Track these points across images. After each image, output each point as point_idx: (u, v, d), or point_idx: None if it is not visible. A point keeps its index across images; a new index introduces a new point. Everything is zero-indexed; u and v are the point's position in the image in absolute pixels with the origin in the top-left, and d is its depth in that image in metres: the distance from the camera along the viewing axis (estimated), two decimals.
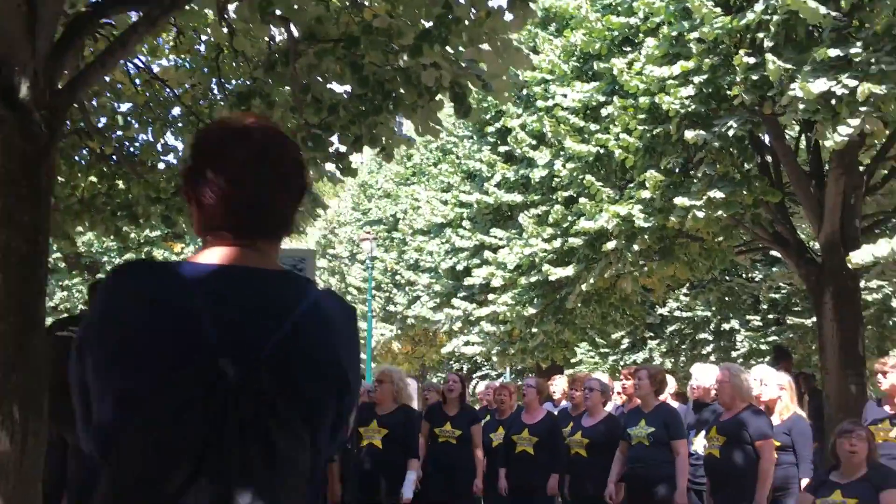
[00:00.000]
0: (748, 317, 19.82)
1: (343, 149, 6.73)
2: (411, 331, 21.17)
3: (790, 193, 9.92)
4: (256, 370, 1.24)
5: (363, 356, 21.00)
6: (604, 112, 9.68)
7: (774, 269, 16.72)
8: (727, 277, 17.81)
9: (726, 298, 18.53)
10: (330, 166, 7.02)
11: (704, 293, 18.31)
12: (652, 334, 21.76)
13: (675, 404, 7.04)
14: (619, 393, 7.65)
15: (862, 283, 14.35)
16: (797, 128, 9.99)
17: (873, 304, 15.48)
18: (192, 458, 1.18)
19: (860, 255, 5.78)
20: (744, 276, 17.85)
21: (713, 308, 19.16)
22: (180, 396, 1.20)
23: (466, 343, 14.64)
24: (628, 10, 9.26)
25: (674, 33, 8.18)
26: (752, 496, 5.22)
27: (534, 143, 11.69)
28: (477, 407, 10.11)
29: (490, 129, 13.66)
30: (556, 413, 7.73)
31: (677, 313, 20.79)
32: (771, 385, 5.85)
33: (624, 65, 8.94)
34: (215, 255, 1.36)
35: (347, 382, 1.36)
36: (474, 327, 14.09)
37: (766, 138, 9.47)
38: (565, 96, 10.38)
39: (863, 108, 6.25)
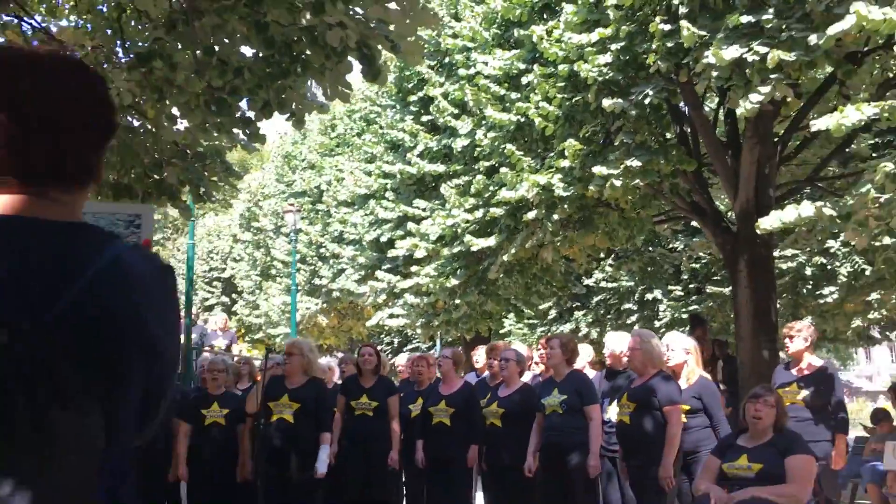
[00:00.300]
0: (670, 287, 20.26)
1: (252, 114, 6.49)
2: (337, 304, 20.91)
3: (708, 164, 10.04)
4: (34, 333, 1.06)
5: (287, 330, 20.70)
6: (524, 80, 9.57)
7: (696, 239, 17.06)
8: (650, 248, 18.13)
9: (648, 269, 18.84)
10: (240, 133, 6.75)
11: (627, 263, 18.59)
12: (578, 304, 22.06)
13: (593, 373, 7.06)
14: (537, 363, 7.63)
15: (777, 252, 14.79)
16: (717, 98, 10.08)
17: (788, 272, 15.93)
18: None
19: (768, 222, 5.84)
20: (665, 246, 18.18)
21: (636, 278, 19.49)
22: None
23: (391, 316, 14.49)
24: None
25: (592, 0, 8.11)
26: (660, 461, 5.25)
27: (456, 112, 11.53)
28: (397, 380, 10.01)
29: (413, 98, 13.44)
30: (474, 384, 7.68)
31: (603, 284, 21.13)
32: (677, 350, 5.90)
33: (543, 32, 8.83)
34: None
35: (156, 349, 1.17)
36: (399, 299, 13.95)
37: (685, 108, 9.54)
38: (486, 64, 10.24)
39: (773, 76, 6.28)
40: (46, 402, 1.03)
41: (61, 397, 1.04)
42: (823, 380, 6.18)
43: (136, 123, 7.11)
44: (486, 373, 7.87)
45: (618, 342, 6.52)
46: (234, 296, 31.19)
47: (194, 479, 6.58)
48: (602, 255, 19.33)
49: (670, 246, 18.11)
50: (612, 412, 6.11)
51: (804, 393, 6.14)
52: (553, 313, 22.23)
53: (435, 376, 7.50)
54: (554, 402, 5.86)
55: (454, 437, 6.65)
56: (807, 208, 5.55)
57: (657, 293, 20.41)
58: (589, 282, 20.99)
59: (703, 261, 18.27)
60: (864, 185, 5.07)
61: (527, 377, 7.12)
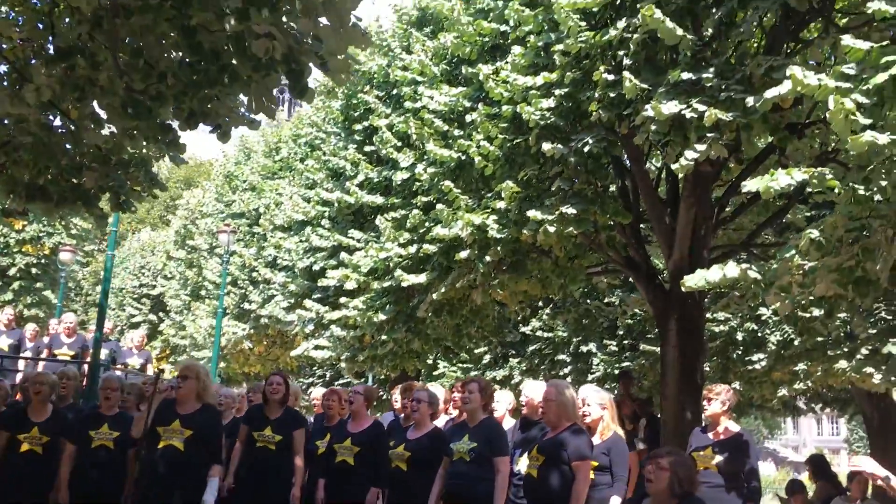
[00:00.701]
0: (605, 341, 20.29)
1: (175, 124, 6.20)
2: (265, 331, 20.36)
3: (646, 220, 10.02)
4: None
5: (208, 353, 20.06)
6: (468, 118, 9.46)
7: (632, 295, 17.13)
8: (588, 301, 18.14)
9: (584, 321, 18.85)
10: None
11: (563, 314, 18.56)
12: (514, 352, 21.94)
13: (511, 421, 6.82)
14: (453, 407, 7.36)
15: (710, 315, 14.88)
16: (660, 155, 10.12)
17: (720, 335, 16.04)
18: None
19: (693, 280, 5.74)
20: (602, 299, 18.19)
21: (571, 329, 19.46)
22: None
23: (317, 347, 14.08)
24: (499, 16, 9.07)
25: (540, 43, 8.04)
26: None
27: (399, 144, 11.37)
28: (311, 414, 9.63)
29: (358, 126, 13.24)
30: (385, 424, 7.38)
31: (539, 333, 21.07)
32: (593, 405, 5.72)
33: (490, 71, 8.74)
34: None
35: None
36: (326, 331, 13.57)
37: (627, 161, 9.54)
38: (432, 99, 10.11)
39: (710, 134, 6.24)
40: None
41: None
42: (738, 446, 6.04)
43: (56, 122, 6.75)
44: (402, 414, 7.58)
45: (535, 391, 6.31)
46: (161, 314, 30.28)
47: (76, 502, 6.14)
48: (537, 303, 19.32)
49: (606, 300, 18.15)
50: (523, 464, 5.87)
51: (718, 458, 5.99)
52: (487, 358, 22.07)
53: (347, 413, 7.16)
54: (463, 449, 5.59)
55: (356, 478, 6.33)
56: (732, 269, 5.47)
57: (592, 346, 20.42)
58: (525, 329, 20.91)
59: (638, 318, 18.34)
60: (788, 250, 5.00)
61: (442, 421, 6.87)
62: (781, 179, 4.95)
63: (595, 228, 8.99)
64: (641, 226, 10.13)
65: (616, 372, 18.35)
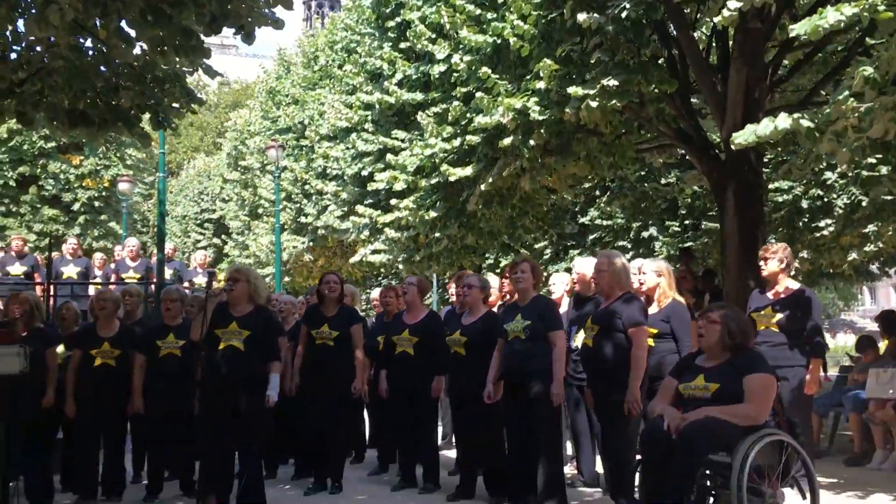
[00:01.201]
0: (667, 222, 20.00)
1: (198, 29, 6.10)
2: (324, 242, 20.63)
3: (697, 90, 9.62)
4: None
5: (272, 270, 20.47)
6: None
7: (693, 171, 16.68)
8: (644, 183, 17.76)
9: (642, 204, 18.52)
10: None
11: (620, 198, 18.26)
12: (573, 243, 21.83)
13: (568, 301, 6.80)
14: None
15: (773, 186, 14.43)
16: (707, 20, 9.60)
17: (784, 205, 15.58)
18: None
19: (743, 136, 5.48)
20: (658, 180, 17.78)
21: (629, 214, 19.19)
22: None
23: (374, 252, 14.20)
24: None
25: None
26: (624, 384, 5.02)
27: (433, 36, 11.04)
28: (373, 315, 9.80)
29: (391, 23, 12.91)
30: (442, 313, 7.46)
31: (598, 221, 20.86)
32: (649, 273, 5.64)
33: None
34: None
35: None
36: (380, 235, 13.64)
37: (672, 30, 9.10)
38: None
39: None
40: None
41: None
42: (799, 303, 5.92)
43: (87, 44, 6.73)
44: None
45: (586, 266, 6.25)
46: (224, 237, 30.97)
47: (150, 410, 6.41)
48: (592, 192, 19.02)
49: (663, 180, 17.73)
50: (579, 340, 5.87)
51: (779, 316, 5.88)
52: (548, 252, 22.03)
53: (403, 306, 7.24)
54: (517, 328, 5.59)
55: (417, 367, 6.44)
56: (783, 120, 5.20)
57: (653, 230, 20.15)
58: (584, 220, 20.73)
59: (697, 194, 17.89)
60: (842, 91, 4.70)
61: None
62: (830, 17, 4.62)
63: (641, 101, 8.67)
64: (692, 98, 9.73)
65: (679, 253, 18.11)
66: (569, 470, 6.57)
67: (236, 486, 5.65)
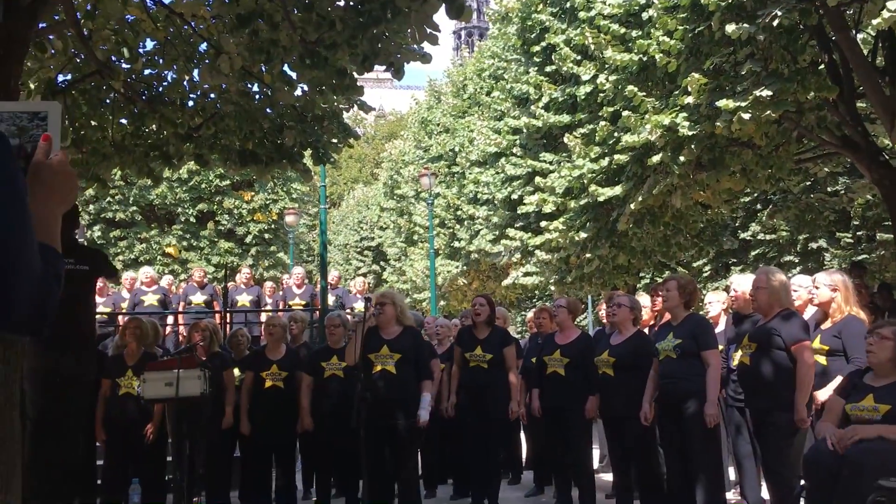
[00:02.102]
0: (838, 234, 18.85)
1: (350, 68, 6.48)
2: (477, 266, 20.96)
3: (862, 95, 9.11)
4: None
5: (428, 294, 20.99)
6: (645, 16, 9.03)
7: (862, 180, 15.67)
8: (810, 194, 16.85)
9: (807, 216, 17.57)
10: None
11: (783, 211, 17.42)
12: (734, 260, 20.99)
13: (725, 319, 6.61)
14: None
15: None
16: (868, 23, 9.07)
17: None
18: None
19: None
20: (825, 190, 16.79)
21: (793, 226, 18.25)
22: None
23: (525, 274, 14.29)
24: None
25: None
26: (786, 403, 4.81)
27: (578, 58, 11.09)
28: (528, 333, 9.87)
29: (536, 48, 13.06)
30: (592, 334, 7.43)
31: (760, 236, 19.96)
32: (822, 287, 5.36)
33: None
34: None
35: None
36: (531, 257, 13.73)
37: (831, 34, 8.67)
38: (605, 3, 9.74)
39: None
40: None
41: None
42: None
43: (254, 89, 7.30)
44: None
45: (743, 283, 6.04)
46: (382, 263, 32.11)
47: (317, 429, 6.77)
48: (753, 206, 18.24)
49: (830, 189, 16.73)
50: (737, 359, 5.68)
51: None
52: (707, 270, 21.29)
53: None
54: (668, 347, 5.50)
55: (569, 388, 6.45)
56: None
57: (822, 242, 19.05)
58: (745, 235, 19.90)
59: (869, 203, 16.76)
60: None
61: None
62: None
63: (799, 110, 8.32)
64: (858, 103, 9.21)
65: None
66: (732, 496, 6.34)
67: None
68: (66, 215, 5.06)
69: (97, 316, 9.72)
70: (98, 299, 10.28)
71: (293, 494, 6.94)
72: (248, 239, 25.94)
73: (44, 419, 5.34)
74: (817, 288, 5.50)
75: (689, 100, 8.17)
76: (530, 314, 8.82)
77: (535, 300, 25.51)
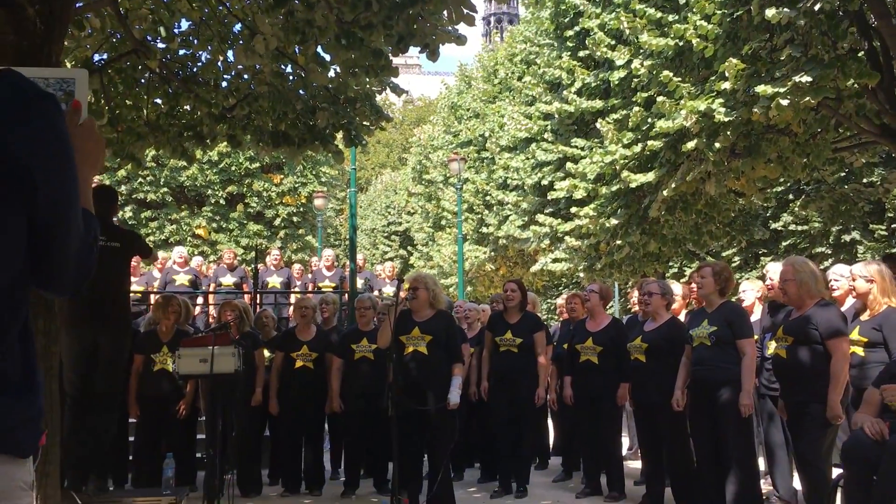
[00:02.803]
0: (871, 225, 18.58)
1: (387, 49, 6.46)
2: (505, 252, 20.91)
3: None
4: None
5: (455, 280, 20.99)
6: (682, 0, 8.89)
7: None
8: (844, 184, 16.58)
9: (841, 207, 17.30)
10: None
11: (816, 202, 17.16)
12: (765, 251, 20.75)
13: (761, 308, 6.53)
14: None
15: None
16: None
17: None
18: None
19: None
20: (861, 180, 16.51)
21: (826, 217, 17.98)
22: None
23: (554, 260, 14.22)
24: None
25: None
26: (822, 396, 4.75)
27: (612, 43, 10.96)
28: (554, 320, 9.84)
29: (569, 33, 12.93)
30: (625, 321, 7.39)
31: (792, 227, 19.71)
32: (859, 279, 5.26)
33: None
34: None
35: (29, 173, 1.13)
36: (561, 244, 13.66)
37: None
38: None
39: None
40: None
41: None
42: None
43: (287, 70, 7.31)
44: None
45: (779, 271, 5.95)
46: (409, 248, 32.16)
47: (346, 410, 6.82)
48: (785, 196, 17.98)
49: (866, 180, 16.45)
50: (772, 348, 5.61)
51: None
52: (737, 260, 21.07)
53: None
54: (702, 334, 5.45)
55: (601, 375, 6.43)
56: None
57: (855, 234, 18.78)
58: (776, 225, 19.66)
59: None
60: None
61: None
62: None
63: (838, 97, 8.16)
64: None
65: None
66: (763, 486, 6.28)
67: (426, 486, 5.88)
68: (104, 195, 5.12)
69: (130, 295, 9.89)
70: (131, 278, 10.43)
71: (321, 474, 7.00)
72: (277, 222, 26.09)
73: (81, 395, 5.44)
74: (854, 280, 5.40)
75: (726, 85, 8.04)
76: (561, 300, 8.78)
77: (562, 288, 25.43)
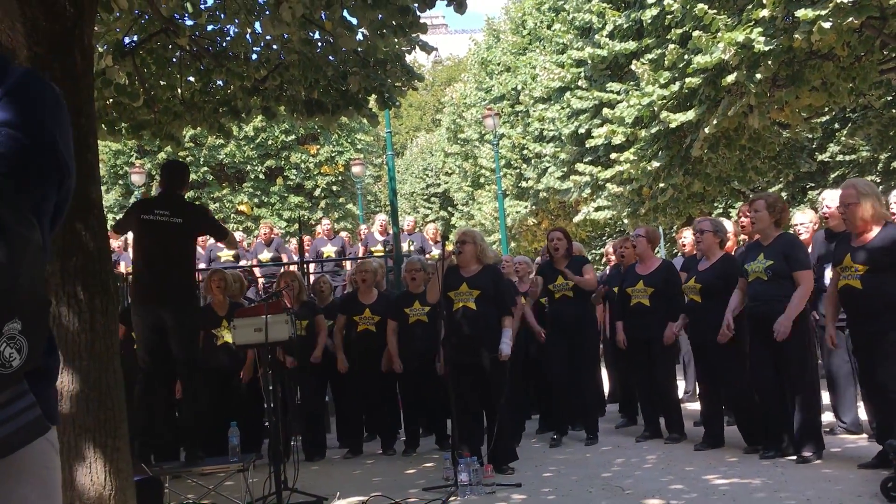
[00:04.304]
0: None
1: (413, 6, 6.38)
2: (546, 205, 20.75)
3: None
4: None
5: (498, 237, 20.96)
6: None
7: None
8: (893, 110, 16.04)
9: (890, 132, 16.77)
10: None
11: (863, 128, 16.65)
12: (812, 184, 20.28)
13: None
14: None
15: None
16: None
17: None
18: None
19: None
20: None
21: (875, 144, 17.45)
22: None
23: (597, 209, 14.07)
24: None
25: None
26: None
27: None
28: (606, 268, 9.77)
29: None
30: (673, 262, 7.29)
31: (840, 157, 19.19)
32: None
33: None
34: None
35: (67, 167, 1.26)
36: (602, 191, 13.49)
37: None
38: None
39: None
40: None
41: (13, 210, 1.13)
42: None
43: (315, 37, 7.27)
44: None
45: (835, 199, 5.78)
46: (450, 209, 32.13)
47: (406, 372, 6.87)
48: (830, 125, 17.47)
49: None
50: (828, 276, 5.47)
51: None
52: (784, 195, 20.64)
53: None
54: (758, 268, 5.33)
55: (654, 318, 6.37)
56: None
57: None
58: (823, 157, 19.16)
59: None
60: None
61: None
62: None
63: (882, 16, 7.86)
64: None
65: None
66: (827, 417, 6.20)
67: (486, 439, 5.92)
68: (174, 169, 5.20)
69: None
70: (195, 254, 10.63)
71: (391, 435, 7.09)
72: (317, 192, 26.23)
73: (152, 370, 5.59)
74: None
75: (765, 13, 7.80)
76: (608, 246, 8.69)
77: (605, 237, 25.22)
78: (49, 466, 1.26)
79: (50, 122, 1.23)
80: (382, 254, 11.36)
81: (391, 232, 11.83)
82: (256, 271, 10.99)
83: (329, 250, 11.41)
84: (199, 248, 11.12)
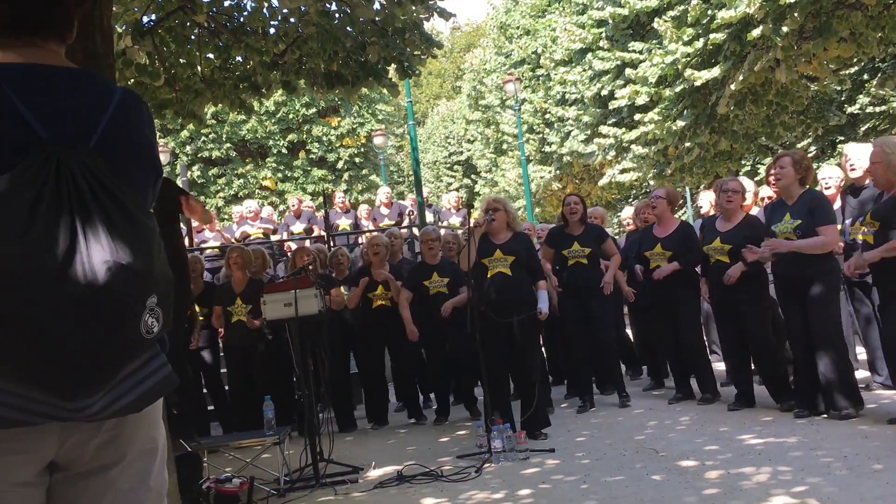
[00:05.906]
0: None
1: None
2: (570, 169, 20.60)
3: None
4: (89, 158, 1.33)
5: (522, 202, 20.86)
6: None
7: None
8: None
9: None
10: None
11: (893, 78, 16.27)
12: (842, 138, 19.90)
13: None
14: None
15: None
16: None
17: None
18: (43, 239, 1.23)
19: None
20: None
21: None
22: (25, 190, 1.25)
23: (622, 171, 13.92)
24: None
25: None
26: None
27: None
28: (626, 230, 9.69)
29: None
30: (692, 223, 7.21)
31: (869, 109, 18.78)
32: None
33: None
34: (9, 56, 1.42)
35: (160, 166, 1.52)
36: (627, 153, 13.35)
37: None
38: None
39: None
40: (115, 212, 1.31)
41: (121, 208, 1.32)
42: None
43: (332, 8, 7.23)
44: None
45: (860, 154, 5.68)
46: (473, 177, 32.00)
47: (431, 344, 6.89)
48: (859, 77, 17.08)
49: None
50: (855, 232, 5.40)
51: None
52: (813, 150, 20.28)
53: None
54: (786, 229, 5.26)
55: (675, 279, 6.32)
56: None
57: None
58: (852, 109, 18.77)
59: None
60: None
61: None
62: None
63: None
64: None
65: None
66: (862, 373, 6.15)
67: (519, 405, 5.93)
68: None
69: (208, 251, 10.16)
70: (208, 234, 10.68)
71: (418, 406, 7.14)
72: (340, 165, 26.24)
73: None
74: None
75: None
76: (626, 213, 8.59)
77: (631, 200, 25.03)
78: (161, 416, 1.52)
79: (153, 137, 1.51)
80: (391, 226, 11.34)
81: (395, 202, 11.81)
82: (288, 246, 11.06)
83: (344, 223, 11.44)
84: (234, 226, 11.22)
